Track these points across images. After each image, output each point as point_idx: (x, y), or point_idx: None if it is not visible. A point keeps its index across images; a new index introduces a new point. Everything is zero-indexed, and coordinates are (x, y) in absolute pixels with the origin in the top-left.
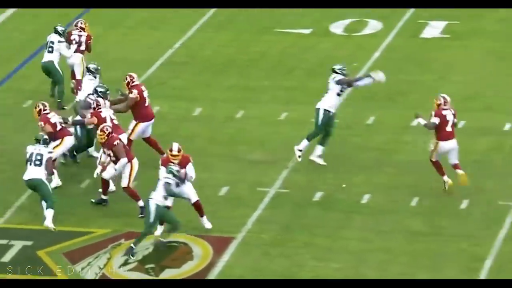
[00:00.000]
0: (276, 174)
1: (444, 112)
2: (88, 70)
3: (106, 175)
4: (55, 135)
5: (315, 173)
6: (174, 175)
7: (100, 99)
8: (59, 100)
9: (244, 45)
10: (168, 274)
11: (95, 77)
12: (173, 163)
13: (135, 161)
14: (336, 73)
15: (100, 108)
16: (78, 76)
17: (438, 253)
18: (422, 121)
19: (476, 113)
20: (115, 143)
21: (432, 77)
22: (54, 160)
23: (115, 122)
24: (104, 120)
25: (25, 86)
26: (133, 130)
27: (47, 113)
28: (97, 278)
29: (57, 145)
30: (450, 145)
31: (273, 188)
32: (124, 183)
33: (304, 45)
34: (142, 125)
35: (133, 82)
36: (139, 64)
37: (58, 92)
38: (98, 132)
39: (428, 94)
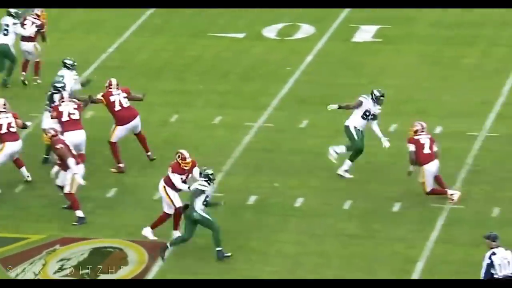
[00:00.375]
0: None
1: (416, 137)
2: (65, 65)
3: (80, 181)
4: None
5: (250, 177)
6: (210, 179)
7: (64, 93)
8: (6, 78)
9: (179, 49)
10: (103, 279)
11: (74, 71)
12: (184, 169)
13: (80, 167)
14: (371, 96)
15: (61, 103)
16: (37, 59)
17: (372, 256)
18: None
19: (409, 117)
20: (58, 146)
21: (365, 81)
22: None
23: (74, 117)
24: (61, 114)
25: None
26: (112, 133)
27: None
28: None
29: None
30: (435, 165)
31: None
32: (66, 189)
33: (237, 49)
34: (119, 128)
35: (109, 87)
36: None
37: (7, 69)
38: (44, 134)
39: None
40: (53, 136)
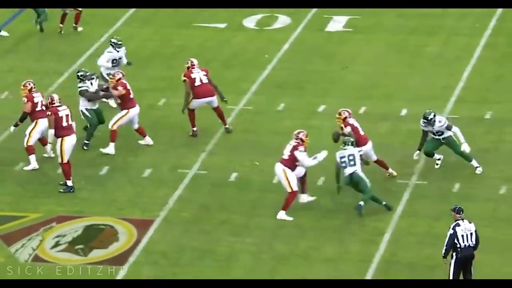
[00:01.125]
0: (195, 157)
1: (350, 121)
2: (110, 42)
3: (49, 153)
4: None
5: (231, 155)
6: (352, 143)
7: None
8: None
9: (166, 39)
10: (96, 254)
11: (117, 51)
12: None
13: (68, 138)
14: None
15: (120, 78)
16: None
17: (343, 228)
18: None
19: (376, 101)
20: (47, 113)
21: (337, 68)
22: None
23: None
24: (129, 92)
25: None
26: (190, 102)
27: (33, 91)
28: (30, 258)
29: (32, 128)
30: (370, 146)
31: (193, 169)
32: (59, 160)
33: (220, 38)
34: (195, 101)
35: (192, 67)
36: (68, 56)
37: (40, 22)
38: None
39: (333, 83)
40: (49, 103)
